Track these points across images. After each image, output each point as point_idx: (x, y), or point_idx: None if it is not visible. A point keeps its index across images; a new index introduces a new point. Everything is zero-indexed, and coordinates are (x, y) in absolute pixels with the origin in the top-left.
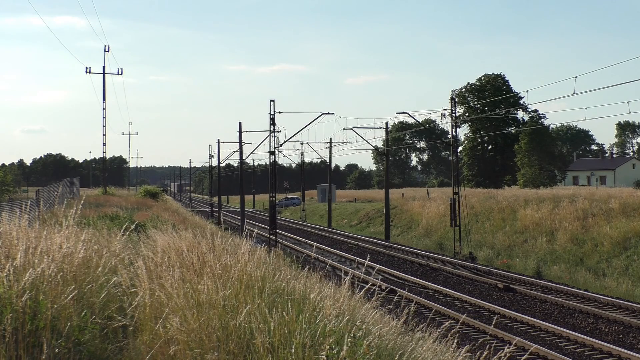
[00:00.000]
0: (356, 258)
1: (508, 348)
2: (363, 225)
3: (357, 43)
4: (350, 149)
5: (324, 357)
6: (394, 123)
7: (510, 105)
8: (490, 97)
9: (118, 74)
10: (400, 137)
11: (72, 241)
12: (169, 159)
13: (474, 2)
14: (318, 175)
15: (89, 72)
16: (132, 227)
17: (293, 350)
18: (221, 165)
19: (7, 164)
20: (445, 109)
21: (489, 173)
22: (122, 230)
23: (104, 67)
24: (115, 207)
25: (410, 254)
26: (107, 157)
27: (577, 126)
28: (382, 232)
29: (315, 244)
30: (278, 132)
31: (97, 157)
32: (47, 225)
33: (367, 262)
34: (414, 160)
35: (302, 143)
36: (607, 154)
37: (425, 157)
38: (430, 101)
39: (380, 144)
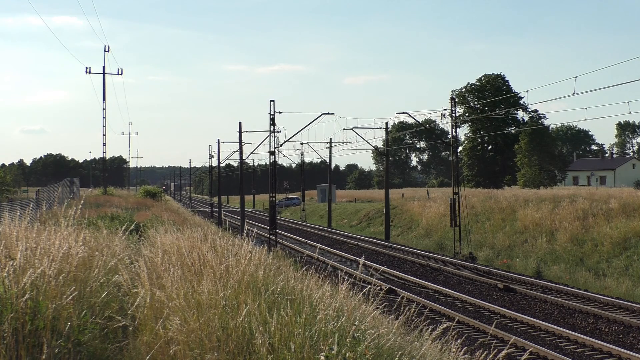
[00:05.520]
0: (356, 258)
1: (508, 349)
2: (363, 225)
3: (357, 43)
4: (350, 149)
5: (323, 357)
6: (394, 123)
7: (510, 106)
8: (490, 97)
9: (118, 74)
10: (400, 137)
11: (72, 241)
12: (169, 159)
13: (474, 2)
14: (318, 175)
15: (89, 72)
16: (132, 227)
17: (293, 351)
18: (221, 165)
19: (7, 164)
20: (445, 109)
21: (489, 173)
22: (122, 230)
23: (103, 67)
24: (115, 207)
25: (410, 254)
26: (107, 157)
27: (577, 126)
28: (382, 232)
29: (315, 244)
30: (278, 132)
31: (97, 157)
32: (47, 225)
33: (366, 262)
34: (414, 160)
35: (302, 143)
36: (607, 154)
37: (425, 157)
38: (430, 101)
39: (380, 144)
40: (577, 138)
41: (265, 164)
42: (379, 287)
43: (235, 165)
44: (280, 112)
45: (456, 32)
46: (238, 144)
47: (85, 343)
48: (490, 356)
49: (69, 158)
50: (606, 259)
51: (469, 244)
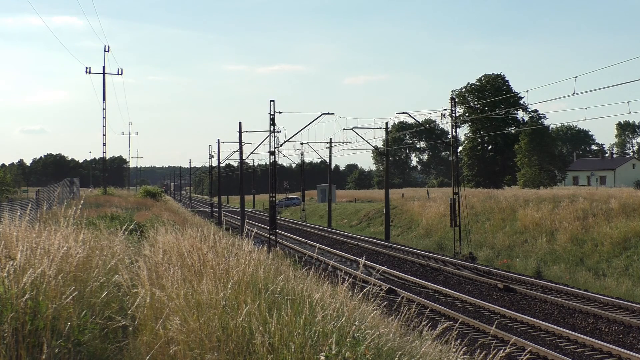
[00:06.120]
0: (356, 258)
1: (507, 349)
2: (363, 225)
3: (357, 43)
4: (350, 149)
5: (323, 357)
6: (394, 123)
7: (510, 106)
8: (490, 97)
9: (118, 74)
10: (400, 137)
11: (71, 241)
12: (169, 159)
13: (474, 2)
14: (318, 176)
15: (89, 72)
16: (132, 227)
17: (293, 351)
18: (221, 165)
19: (7, 164)
20: (445, 109)
21: (489, 173)
22: (122, 230)
23: (103, 67)
24: (115, 207)
25: (410, 254)
26: (107, 157)
27: (577, 126)
28: (382, 232)
29: (315, 244)
30: (278, 132)
31: (97, 157)
32: (47, 225)
33: (366, 262)
34: (414, 160)
35: (302, 143)
36: (607, 154)
37: (425, 157)
38: (430, 101)
39: (380, 144)
40: (577, 138)
41: (265, 164)
42: (379, 287)
43: (235, 165)
44: (280, 112)
45: (456, 32)
46: (238, 144)
47: (85, 343)
48: (490, 356)
49: (69, 158)
50: (606, 259)
51: (469, 244)
